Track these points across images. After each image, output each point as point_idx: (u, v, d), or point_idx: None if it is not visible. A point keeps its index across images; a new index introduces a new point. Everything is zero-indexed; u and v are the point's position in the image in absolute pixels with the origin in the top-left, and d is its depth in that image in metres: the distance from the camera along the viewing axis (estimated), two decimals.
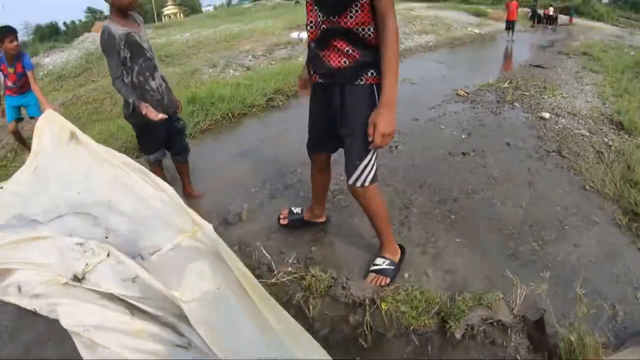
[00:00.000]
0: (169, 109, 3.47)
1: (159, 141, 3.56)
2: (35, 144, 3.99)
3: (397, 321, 2.26)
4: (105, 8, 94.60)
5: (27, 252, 3.25)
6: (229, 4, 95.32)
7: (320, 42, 2.19)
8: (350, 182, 2.37)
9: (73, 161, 3.65)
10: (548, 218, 3.24)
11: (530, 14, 27.28)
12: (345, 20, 2.06)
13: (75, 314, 2.47)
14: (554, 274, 2.52)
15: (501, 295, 2.30)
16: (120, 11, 3.12)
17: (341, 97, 2.26)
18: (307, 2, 2.23)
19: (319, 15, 2.10)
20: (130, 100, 3.12)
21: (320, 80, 2.32)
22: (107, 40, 3.04)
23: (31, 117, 5.38)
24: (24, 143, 5.71)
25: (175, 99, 3.66)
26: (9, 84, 5.26)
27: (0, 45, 4.91)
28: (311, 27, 2.24)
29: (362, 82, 2.17)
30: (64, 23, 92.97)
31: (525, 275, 2.51)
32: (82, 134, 3.80)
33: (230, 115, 6.42)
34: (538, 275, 2.41)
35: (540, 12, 27.81)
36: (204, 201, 4.04)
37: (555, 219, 3.23)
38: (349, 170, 2.36)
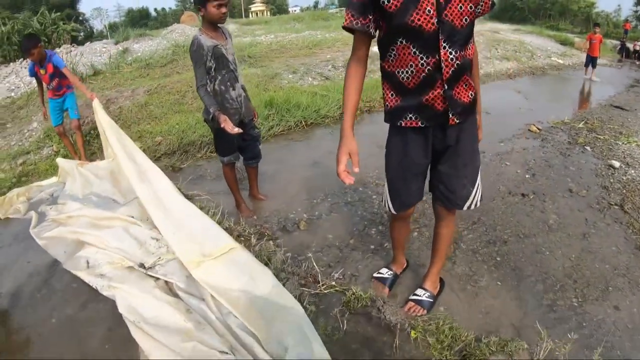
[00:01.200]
0: (246, 117, 3.75)
1: (234, 146, 3.81)
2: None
3: (422, 351, 2.36)
4: None
5: (103, 230, 3.59)
6: (315, 6, 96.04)
7: (452, 80, 2.06)
8: (465, 207, 2.40)
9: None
10: (594, 275, 3.20)
11: (618, 47, 24.95)
12: (469, 52, 2.07)
13: (133, 304, 2.69)
14: (585, 334, 2.56)
15: (526, 346, 2.35)
16: (211, 24, 3.39)
17: (459, 130, 2.21)
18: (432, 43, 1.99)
19: (451, 53, 1.99)
20: (211, 110, 3.38)
21: (456, 120, 2.13)
22: (196, 50, 3.33)
23: (72, 119, 5.81)
24: (70, 145, 6.13)
25: (253, 107, 3.92)
26: (45, 85, 5.72)
27: (27, 55, 5.42)
28: (441, 67, 2.01)
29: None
30: (155, 9, 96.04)
31: (557, 330, 2.54)
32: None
33: (303, 123, 6.67)
34: (569, 332, 2.47)
35: (630, 45, 24.71)
36: (267, 205, 4.28)
37: (601, 277, 3.18)
38: (463, 197, 2.37)
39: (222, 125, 3.35)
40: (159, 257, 3.07)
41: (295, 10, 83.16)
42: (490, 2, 2.06)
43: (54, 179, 5.36)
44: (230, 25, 28.02)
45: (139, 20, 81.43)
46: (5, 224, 4.65)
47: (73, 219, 3.95)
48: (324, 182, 4.60)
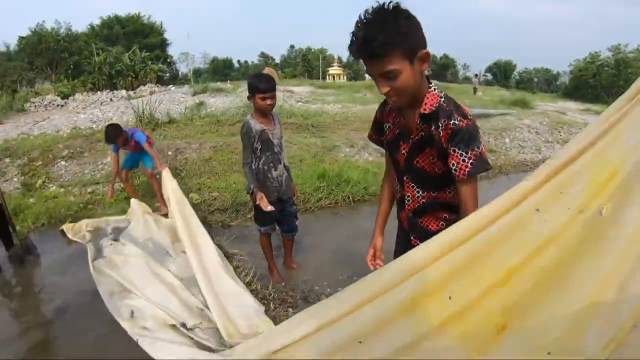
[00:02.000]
0: (285, 194, 4.21)
1: (271, 218, 4.24)
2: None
3: None
4: (276, 55, 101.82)
5: (153, 285, 4.08)
6: None
7: (417, 212, 2.26)
8: None
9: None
10: None
11: None
12: (445, 195, 2.19)
13: (171, 352, 3.06)
14: None
15: None
16: (260, 112, 3.90)
17: None
18: (404, 178, 2.25)
19: (418, 191, 2.21)
20: (251, 187, 3.88)
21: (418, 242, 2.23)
22: (246, 132, 3.87)
23: (147, 168, 6.39)
24: (129, 188, 6.64)
25: (293, 186, 4.39)
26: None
27: (114, 141, 5.99)
28: (408, 200, 2.27)
29: None
30: (238, 61, 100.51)
31: None
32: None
33: (350, 198, 7.01)
34: None
35: None
36: (297, 274, 4.67)
37: None
38: None
39: (257, 202, 3.83)
40: (201, 322, 3.43)
41: (369, 78, 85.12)
42: (465, 172, 1.93)
43: (122, 217, 6.01)
44: (306, 88, 29.19)
45: (222, 70, 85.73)
46: (71, 245, 5.71)
47: (128, 263, 4.48)
48: (354, 261, 4.74)
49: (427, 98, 1.96)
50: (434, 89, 1.97)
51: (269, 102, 3.81)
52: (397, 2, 1.73)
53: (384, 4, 1.73)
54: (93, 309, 4.07)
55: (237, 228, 6.02)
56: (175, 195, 5.00)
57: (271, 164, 4.02)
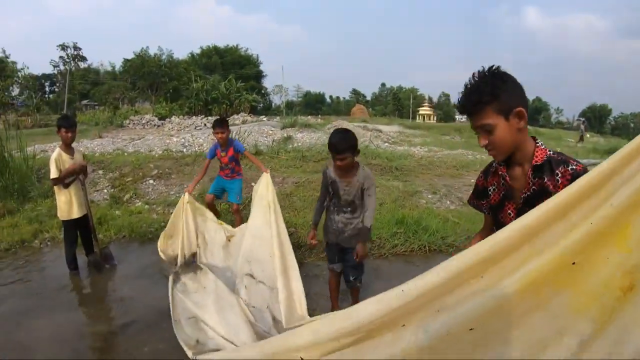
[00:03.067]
0: (344, 243, 4.28)
1: (334, 257, 4.45)
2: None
3: None
4: (367, 93, 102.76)
5: (223, 315, 4.10)
6: None
7: None
8: None
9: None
10: None
11: None
12: None
13: None
14: None
15: None
16: (341, 169, 4.03)
17: None
18: None
19: None
20: (311, 223, 4.47)
21: None
22: (324, 176, 4.22)
23: (228, 202, 6.48)
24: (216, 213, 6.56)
25: (356, 245, 4.17)
26: (222, 165, 6.37)
27: (220, 130, 6.13)
28: None
29: None
30: (330, 96, 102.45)
31: None
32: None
33: (427, 247, 6.74)
34: None
35: None
36: None
37: None
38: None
39: (308, 241, 4.50)
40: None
41: (462, 119, 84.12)
42: None
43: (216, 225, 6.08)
44: (395, 127, 29.17)
45: (314, 104, 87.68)
46: (147, 260, 6.15)
47: (202, 292, 4.59)
48: None
49: (537, 152, 2.06)
50: (541, 144, 2.09)
51: (339, 163, 3.94)
52: (497, 67, 1.98)
53: (484, 69, 1.99)
54: (156, 324, 4.38)
55: (309, 266, 6.03)
56: (274, 199, 5.24)
57: (335, 209, 4.25)
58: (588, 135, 31.21)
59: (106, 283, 5.67)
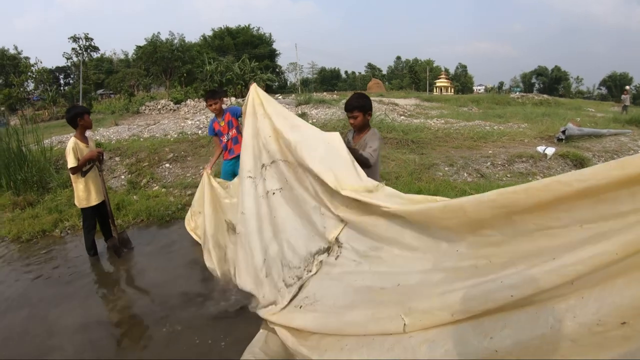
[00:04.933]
0: None
1: None
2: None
3: None
4: (382, 67, 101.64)
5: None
6: (500, 87, 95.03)
7: None
8: None
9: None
10: None
11: None
12: None
13: None
14: None
15: None
16: (354, 128, 4.31)
17: None
18: None
19: None
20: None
21: None
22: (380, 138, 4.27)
23: None
24: None
25: None
26: (224, 139, 6.10)
27: (209, 107, 6.04)
28: None
29: None
30: (345, 72, 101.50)
31: None
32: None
33: None
34: None
35: None
36: None
37: None
38: None
39: None
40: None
41: (479, 90, 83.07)
42: None
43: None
44: (411, 100, 28.89)
45: (330, 80, 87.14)
46: (165, 243, 6.32)
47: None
48: None
49: None
50: None
51: (351, 121, 4.20)
52: None
53: None
54: (172, 306, 4.44)
55: None
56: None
57: None
58: (629, 104, 27.95)
59: (125, 267, 5.74)
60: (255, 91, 4.59)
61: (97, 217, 5.99)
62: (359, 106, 4.13)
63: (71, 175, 5.69)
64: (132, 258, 5.96)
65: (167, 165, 9.96)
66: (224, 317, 4.09)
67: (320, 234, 3.50)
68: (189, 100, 31.98)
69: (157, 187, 8.84)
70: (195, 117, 17.76)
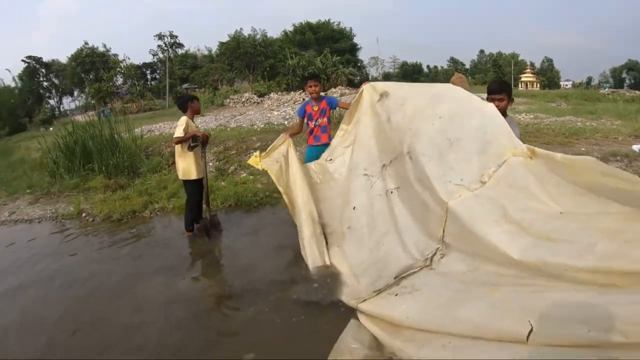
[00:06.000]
0: None
1: None
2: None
3: None
4: (465, 60, 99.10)
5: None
6: (588, 83, 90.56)
7: None
8: None
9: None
10: None
11: None
12: None
13: None
14: None
15: None
16: None
17: None
18: None
19: None
20: None
21: None
22: None
23: None
24: None
25: None
26: (312, 124, 5.97)
27: (309, 89, 5.94)
28: None
29: None
30: (428, 66, 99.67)
31: None
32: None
33: None
34: None
35: None
36: None
37: None
38: None
39: None
40: None
41: (566, 85, 79.41)
42: None
43: None
44: None
45: (412, 75, 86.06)
46: (251, 226, 6.24)
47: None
48: None
49: None
50: None
51: (496, 103, 3.99)
52: None
53: None
54: (258, 289, 4.45)
55: None
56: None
57: None
58: None
59: (214, 247, 5.90)
60: (371, 90, 4.79)
61: None
62: (507, 90, 4.09)
63: (177, 149, 5.99)
64: (222, 240, 6.10)
65: (255, 153, 9.93)
66: (310, 303, 4.01)
67: (430, 232, 3.56)
68: (272, 93, 32.50)
69: (244, 175, 9.02)
70: (280, 108, 17.97)
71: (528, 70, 72.32)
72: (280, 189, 5.13)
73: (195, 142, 5.88)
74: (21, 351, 3.74)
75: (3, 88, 48.65)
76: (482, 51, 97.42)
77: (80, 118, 10.34)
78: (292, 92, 30.92)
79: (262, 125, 13.07)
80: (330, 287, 4.09)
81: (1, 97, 44.47)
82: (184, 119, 5.89)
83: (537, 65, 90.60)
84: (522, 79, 67.68)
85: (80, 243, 6.50)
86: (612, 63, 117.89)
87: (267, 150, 5.41)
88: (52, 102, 62.46)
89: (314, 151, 5.92)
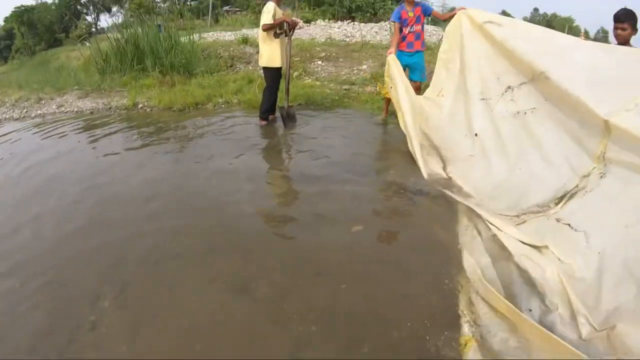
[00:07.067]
0: None
1: None
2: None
3: None
4: (518, 16, 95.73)
5: None
6: None
7: None
8: None
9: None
10: None
11: None
12: None
13: None
14: None
15: None
16: (618, 39, 4.14)
17: None
18: None
19: None
20: None
21: None
22: None
23: (411, 81, 5.41)
24: (386, 104, 6.17)
25: None
26: (406, 30, 5.70)
27: None
28: None
29: None
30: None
31: None
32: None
33: None
34: None
35: None
36: None
37: None
38: None
39: None
40: None
41: None
42: None
43: None
44: None
45: None
46: (327, 121, 6.40)
47: None
48: None
49: None
50: None
51: (619, 31, 4.06)
52: None
53: None
54: (335, 177, 4.31)
55: None
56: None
57: None
58: None
59: (290, 136, 5.80)
60: (470, 17, 4.63)
61: None
62: (631, 20, 3.98)
63: (262, 35, 5.79)
64: (295, 131, 5.98)
65: (320, 62, 9.85)
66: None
67: (585, 149, 3.31)
68: (319, 20, 31.76)
69: (310, 80, 8.71)
70: (341, 27, 17.64)
71: (582, 37, 69.59)
72: (398, 116, 4.74)
73: (282, 29, 5.71)
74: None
75: (40, 4, 48.16)
76: (536, 9, 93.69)
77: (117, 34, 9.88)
78: (339, 22, 30.15)
79: (323, 40, 12.63)
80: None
81: (37, 13, 44.22)
82: (271, 5, 5.60)
83: (592, 34, 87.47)
84: None
85: (145, 129, 6.37)
86: None
87: (384, 79, 5.12)
88: (89, 18, 61.74)
89: (405, 56, 5.74)
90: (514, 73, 4.09)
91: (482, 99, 4.27)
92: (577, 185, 3.22)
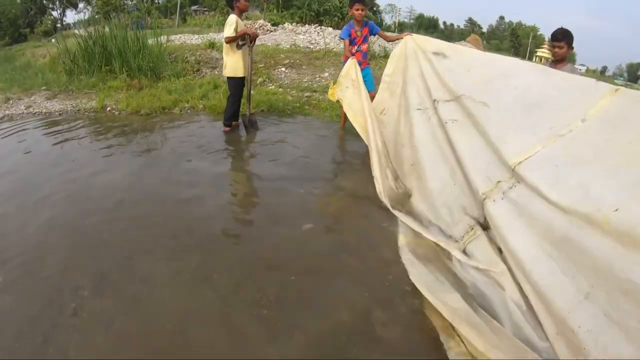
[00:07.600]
0: None
1: None
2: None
3: None
4: (483, 24, 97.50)
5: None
6: (602, 72, 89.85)
7: None
8: None
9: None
10: None
11: None
12: None
13: None
14: None
15: None
16: (556, 57, 4.85)
17: None
18: None
19: None
20: None
21: None
22: None
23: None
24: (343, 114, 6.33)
25: None
26: (353, 49, 5.98)
27: (355, 12, 5.90)
28: None
29: None
30: (444, 22, 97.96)
31: None
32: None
33: None
34: None
35: None
36: None
37: None
38: None
39: None
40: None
41: (580, 69, 78.58)
42: None
43: None
44: None
45: (427, 28, 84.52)
46: (280, 129, 6.45)
47: None
48: None
49: None
50: None
51: (556, 50, 4.80)
52: None
53: None
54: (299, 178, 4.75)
55: None
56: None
57: None
58: None
59: (252, 141, 6.17)
60: (416, 43, 4.99)
61: None
62: (567, 39, 4.69)
63: (225, 46, 6.08)
64: (255, 138, 6.31)
65: (283, 69, 10.16)
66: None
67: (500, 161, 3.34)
68: (286, 24, 31.88)
69: (273, 87, 8.99)
70: (306, 33, 17.89)
71: (545, 46, 71.12)
72: (350, 116, 5.06)
73: (244, 40, 5.99)
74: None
75: None
76: (502, 17, 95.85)
77: (83, 33, 9.92)
78: (307, 25, 30.25)
79: (287, 46, 12.92)
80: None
81: (2, 7, 43.25)
82: (233, 18, 5.86)
83: None
84: (538, 54, 66.08)
85: (113, 132, 6.53)
86: (631, 58, 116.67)
87: (337, 81, 5.28)
88: (54, 13, 60.24)
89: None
90: (444, 92, 4.31)
91: (418, 109, 4.58)
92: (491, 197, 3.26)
